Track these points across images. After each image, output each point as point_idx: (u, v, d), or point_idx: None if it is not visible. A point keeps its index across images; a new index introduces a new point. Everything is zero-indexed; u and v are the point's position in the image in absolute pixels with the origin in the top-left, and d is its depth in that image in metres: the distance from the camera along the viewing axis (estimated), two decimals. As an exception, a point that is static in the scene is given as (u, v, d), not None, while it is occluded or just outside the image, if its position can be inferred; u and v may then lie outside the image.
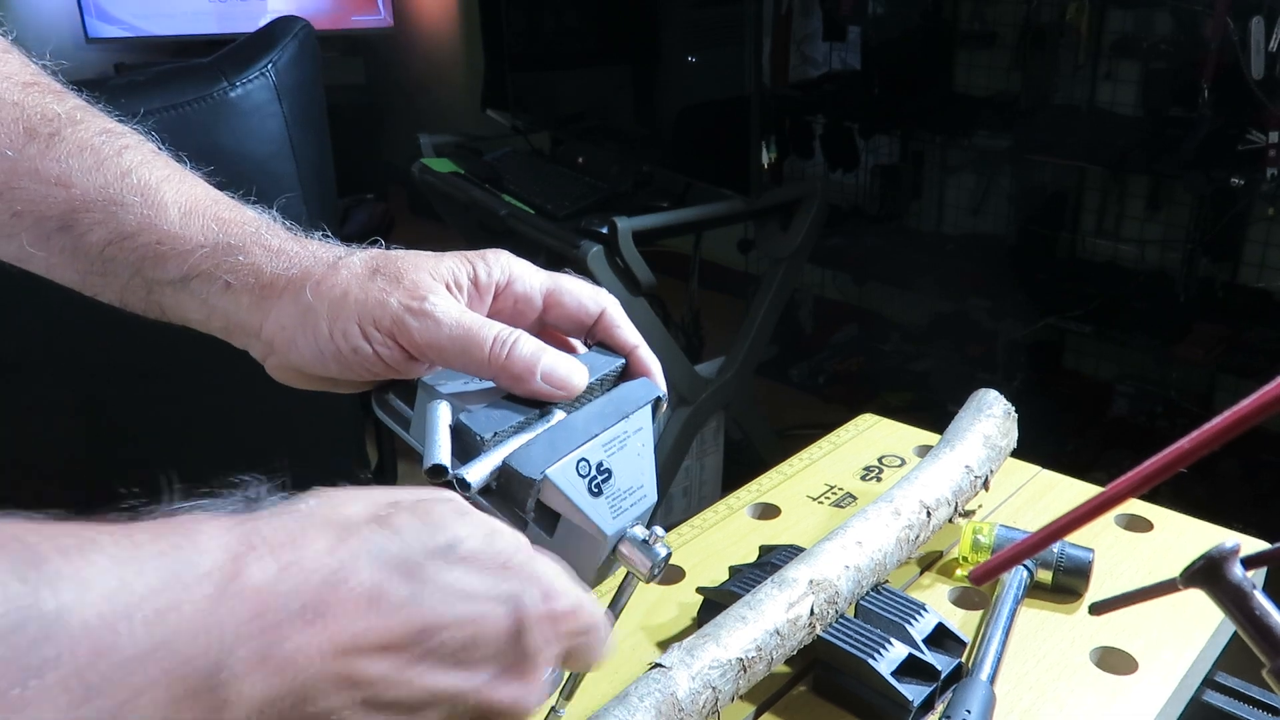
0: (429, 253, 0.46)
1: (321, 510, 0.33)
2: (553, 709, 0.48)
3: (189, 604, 0.27)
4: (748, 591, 0.55)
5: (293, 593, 0.29)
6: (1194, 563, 0.39)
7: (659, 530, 0.44)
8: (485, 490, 0.40)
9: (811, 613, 0.53)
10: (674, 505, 2.05)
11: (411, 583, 0.32)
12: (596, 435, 0.43)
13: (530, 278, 0.47)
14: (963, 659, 0.56)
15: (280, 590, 0.29)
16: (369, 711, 0.31)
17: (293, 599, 0.29)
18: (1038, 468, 0.77)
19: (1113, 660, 0.57)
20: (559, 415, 0.44)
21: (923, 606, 0.57)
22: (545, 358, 0.43)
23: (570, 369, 0.44)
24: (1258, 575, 0.59)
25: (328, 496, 0.34)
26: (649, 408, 0.46)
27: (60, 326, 0.96)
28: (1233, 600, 0.38)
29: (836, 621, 0.55)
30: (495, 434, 0.41)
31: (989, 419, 0.71)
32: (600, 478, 0.42)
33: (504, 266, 0.46)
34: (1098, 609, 0.51)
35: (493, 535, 0.35)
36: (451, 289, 0.45)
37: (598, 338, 0.48)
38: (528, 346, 0.43)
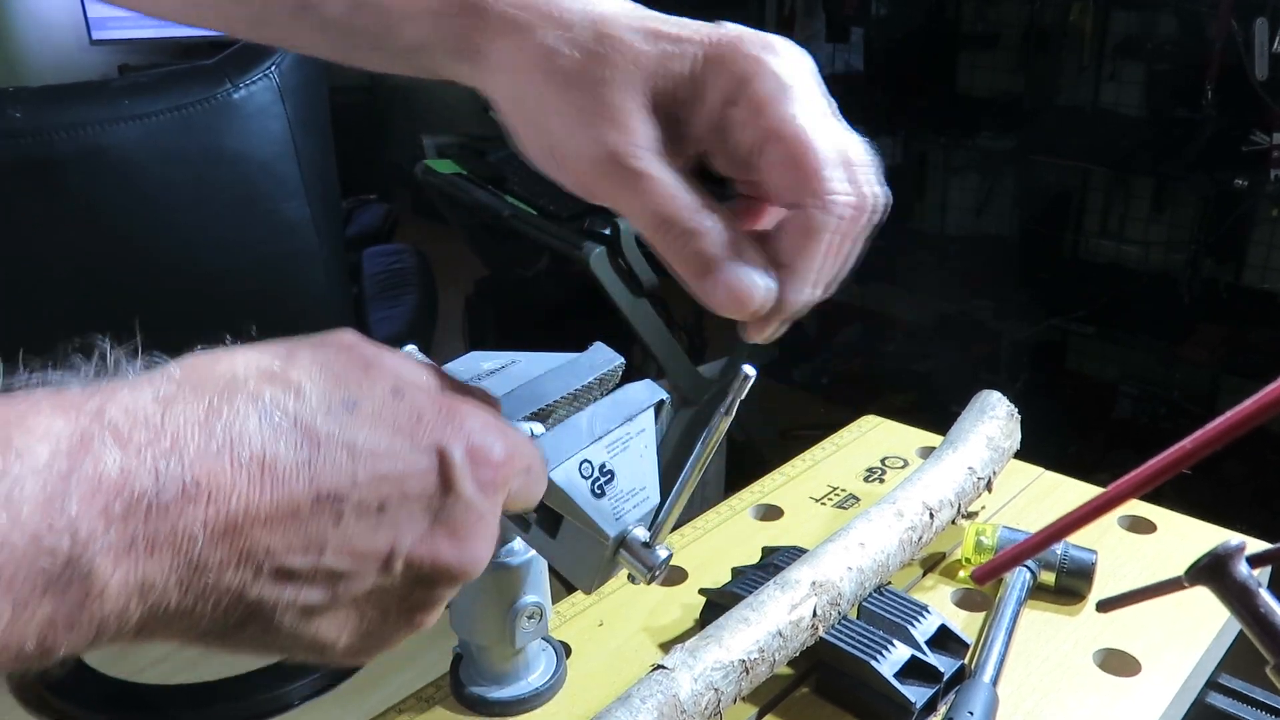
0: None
1: (195, 374, 0.29)
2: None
3: (27, 503, 0.25)
4: (750, 593, 0.54)
5: (156, 473, 0.26)
6: (1199, 560, 0.39)
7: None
8: None
9: (814, 614, 0.53)
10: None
11: (310, 446, 0.29)
12: (600, 437, 0.43)
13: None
14: (965, 661, 0.56)
15: (139, 474, 0.26)
16: (280, 582, 0.29)
17: (159, 480, 0.26)
18: (1041, 469, 0.77)
19: (1116, 662, 0.57)
20: (562, 416, 0.44)
21: (925, 608, 0.57)
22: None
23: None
24: (1263, 575, 0.58)
25: (204, 355, 0.30)
26: (652, 410, 0.46)
27: (62, 326, 0.96)
28: (1238, 598, 0.38)
29: (839, 623, 0.55)
30: None
31: (992, 420, 0.71)
32: (603, 479, 0.42)
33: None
34: (1105, 606, 0.51)
35: (403, 388, 0.32)
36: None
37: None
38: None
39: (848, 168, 0.37)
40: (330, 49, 0.43)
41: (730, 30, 0.38)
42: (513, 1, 0.38)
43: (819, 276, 0.38)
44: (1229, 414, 0.30)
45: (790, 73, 0.37)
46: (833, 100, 0.38)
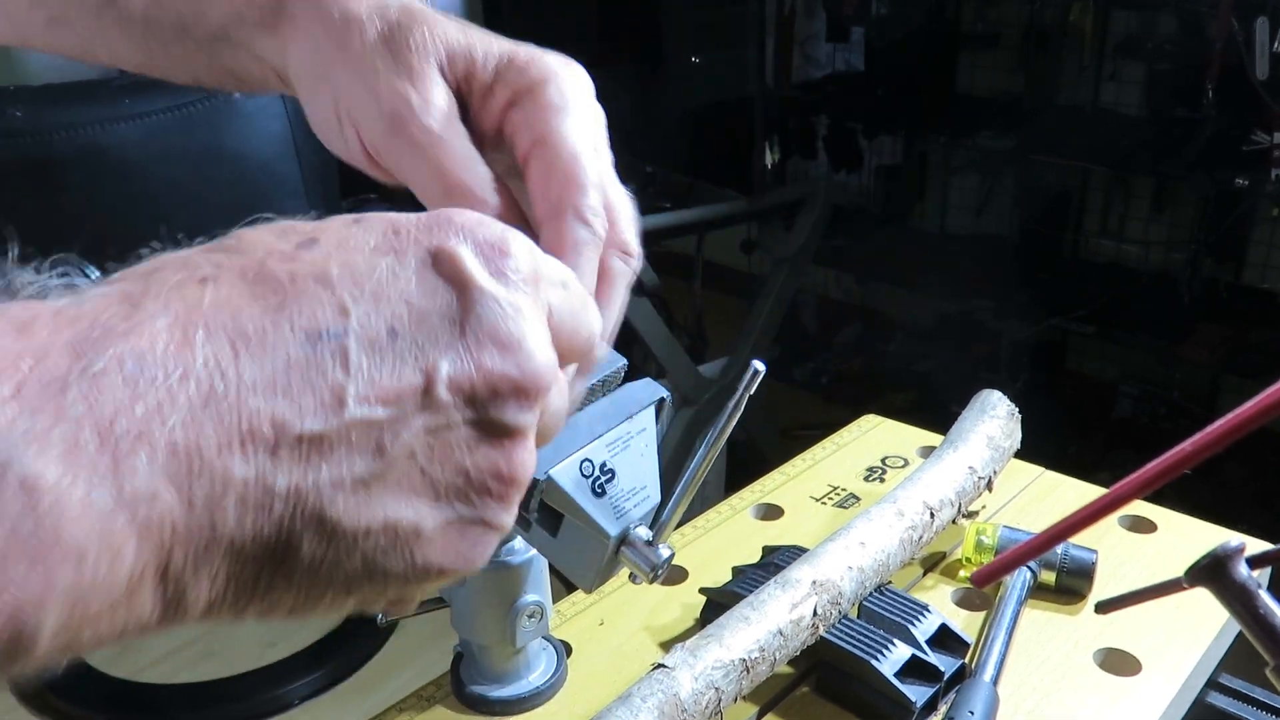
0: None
1: (129, 275, 0.24)
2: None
3: None
4: (751, 592, 0.55)
5: (75, 349, 0.22)
6: (1199, 561, 0.39)
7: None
8: None
9: (815, 613, 0.53)
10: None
11: (272, 290, 0.24)
12: (600, 435, 0.43)
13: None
14: (966, 660, 0.56)
15: (51, 350, 0.21)
16: (309, 457, 0.23)
17: (81, 355, 0.21)
18: (1041, 468, 0.77)
19: (1116, 662, 0.57)
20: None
21: (926, 607, 0.57)
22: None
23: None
24: (1263, 576, 0.59)
25: (171, 255, 0.25)
26: (653, 408, 0.46)
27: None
28: (1238, 599, 0.38)
29: (840, 622, 0.55)
30: None
31: (992, 420, 0.71)
32: (604, 478, 0.42)
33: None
34: (1104, 607, 0.51)
35: (362, 218, 0.28)
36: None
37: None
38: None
39: (604, 198, 0.37)
40: (132, 49, 0.43)
41: (531, 47, 0.39)
42: None
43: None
44: (1230, 416, 0.30)
45: (573, 94, 0.38)
46: (607, 135, 0.39)
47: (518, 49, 0.39)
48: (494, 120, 0.38)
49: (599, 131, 0.38)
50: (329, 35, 0.38)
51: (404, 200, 0.38)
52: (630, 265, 0.37)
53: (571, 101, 0.38)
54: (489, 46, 0.38)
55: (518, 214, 0.37)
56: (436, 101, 0.36)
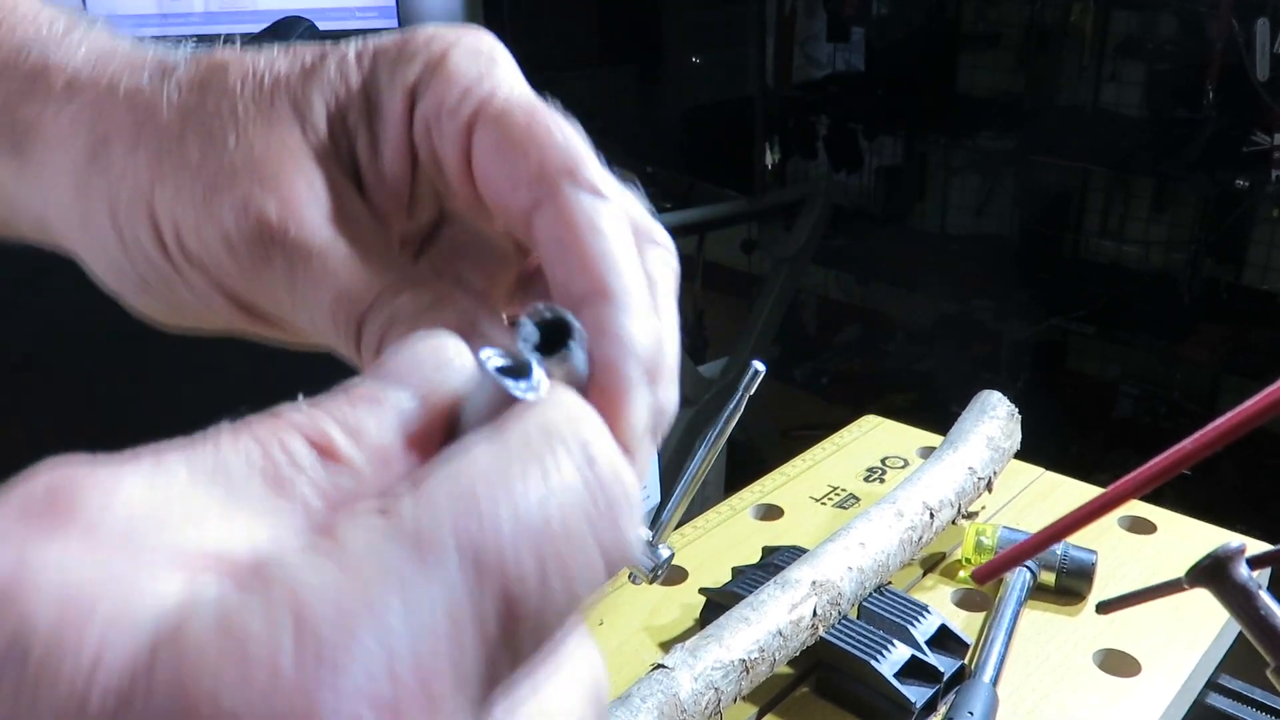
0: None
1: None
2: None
3: None
4: (750, 592, 0.55)
5: None
6: (1200, 562, 0.39)
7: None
8: None
9: (814, 614, 0.53)
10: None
11: None
12: None
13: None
14: (965, 661, 0.56)
15: None
16: None
17: None
18: (1041, 469, 0.77)
19: (1116, 662, 0.57)
20: None
21: (925, 608, 0.57)
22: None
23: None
24: (1262, 576, 0.58)
25: None
26: None
27: (66, 326, 0.96)
28: (1238, 600, 0.38)
29: (839, 623, 0.55)
30: None
31: (992, 420, 0.71)
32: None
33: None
34: (1105, 608, 0.51)
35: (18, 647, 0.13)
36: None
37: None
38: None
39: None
40: None
41: (389, 33, 0.28)
42: (87, 53, 0.28)
43: (636, 293, 0.23)
44: (1229, 415, 0.30)
45: (488, 49, 0.27)
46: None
47: (380, 39, 0.28)
48: (398, 137, 0.27)
49: (529, 90, 0.27)
50: (110, 134, 0.26)
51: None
52: (655, 235, 0.26)
53: (490, 59, 0.27)
54: (341, 55, 0.27)
55: (473, 310, 0.25)
56: (302, 198, 0.25)
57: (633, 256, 0.24)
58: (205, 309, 0.27)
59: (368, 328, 0.25)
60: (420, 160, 0.27)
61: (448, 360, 0.19)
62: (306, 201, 0.25)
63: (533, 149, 0.25)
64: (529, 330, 0.20)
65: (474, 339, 0.21)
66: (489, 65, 0.27)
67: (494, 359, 0.18)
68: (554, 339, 0.20)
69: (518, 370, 0.18)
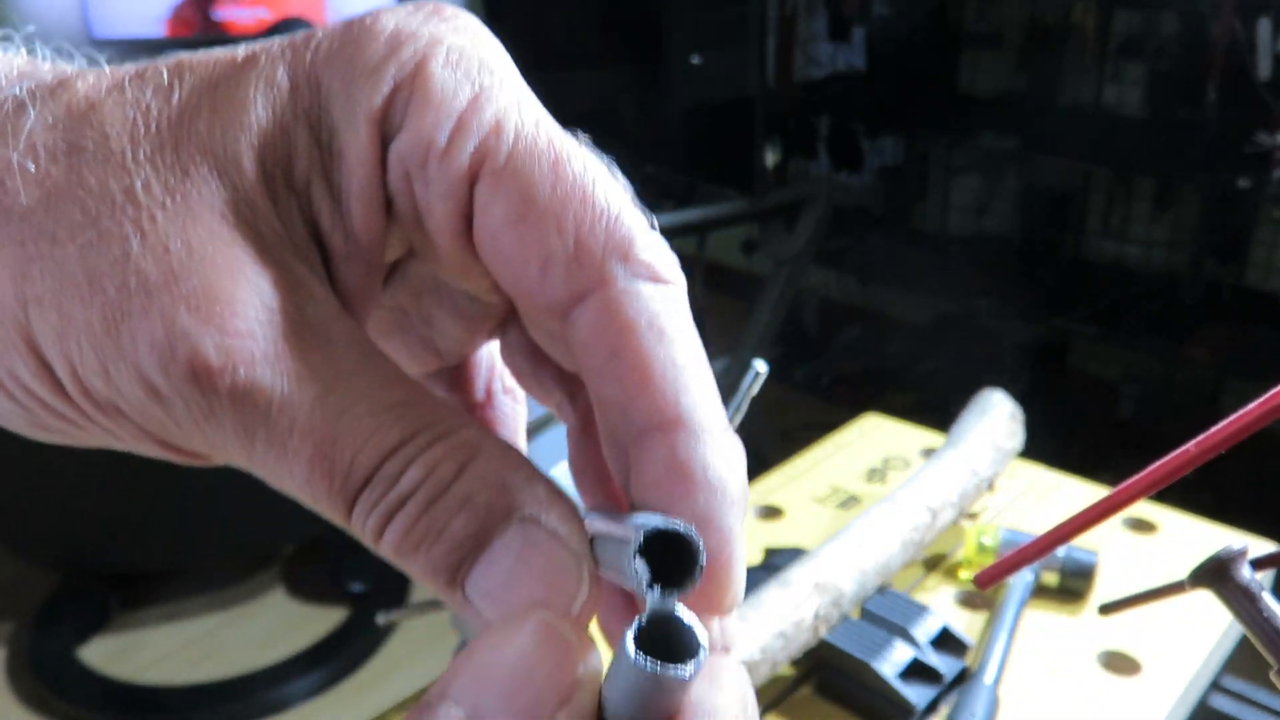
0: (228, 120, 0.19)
1: None
2: None
3: None
4: (751, 593, 0.54)
5: None
6: (1202, 564, 0.39)
7: None
8: None
9: (816, 615, 0.53)
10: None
11: None
12: None
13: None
14: (967, 662, 0.56)
15: None
16: None
17: None
18: (1043, 469, 0.77)
19: (1118, 663, 0.57)
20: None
21: (927, 609, 0.57)
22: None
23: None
24: (1267, 578, 0.58)
25: None
26: None
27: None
28: (1240, 601, 0.38)
29: (841, 624, 0.55)
30: None
31: (994, 420, 0.71)
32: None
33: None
34: (1107, 610, 0.51)
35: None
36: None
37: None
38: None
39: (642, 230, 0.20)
40: None
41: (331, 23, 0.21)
42: None
43: (714, 415, 0.20)
44: (1233, 417, 0.29)
45: (479, 52, 0.20)
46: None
47: (319, 32, 0.20)
48: (367, 190, 0.20)
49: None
50: None
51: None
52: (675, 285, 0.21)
53: (489, 67, 0.20)
54: (260, 69, 0.20)
55: (498, 460, 0.19)
56: (244, 316, 0.18)
57: (703, 361, 0.20)
58: (131, 449, 0.20)
59: (360, 506, 0.18)
60: (395, 209, 0.20)
61: (590, 673, 0.17)
62: (257, 325, 0.18)
63: (567, 218, 0.19)
64: (641, 566, 0.17)
65: (512, 519, 0.18)
66: (485, 79, 0.20)
67: (637, 634, 0.16)
68: (663, 552, 0.17)
69: (660, 635, 0.17)
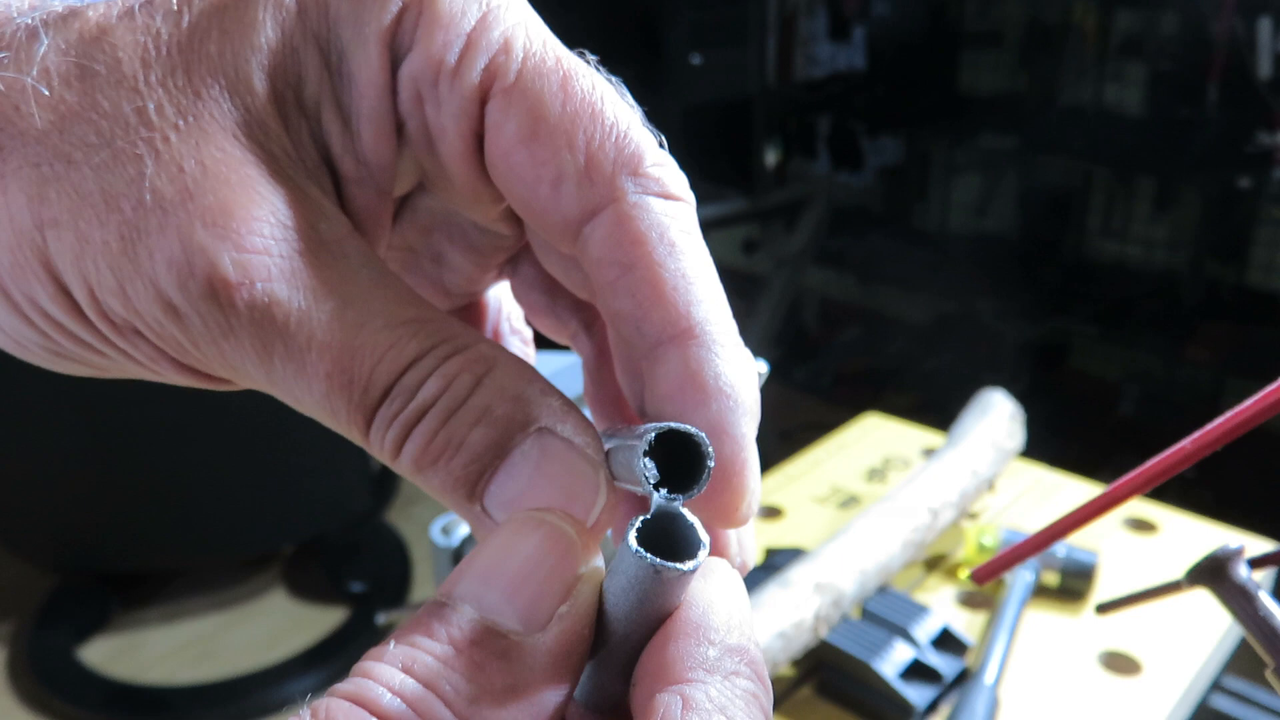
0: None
1: None
2: None
3: None
4: (751, 593, 0.54)
5: None
6: (1199, 562, 0.39)
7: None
8: None
9: (816, 615, 0.53)
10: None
11: None
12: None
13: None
14: (968, 662, 0.56)
15: None
16: None
17: None
18: (1043, 469, 0.77)
19: (1119, 663, 0.57)
20: None
21: (928, 609, 0.57)
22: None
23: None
24: (1266, 577, 0.58)
25: None
26: None
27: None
28: (1237, 600, 0.38)
29: (841, 624, 0.55)
30: None
31: (995, 420, 0.71)
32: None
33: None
34: (1105, 609, 0.51)
35: None
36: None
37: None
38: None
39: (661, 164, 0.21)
40: None
41: None
42: None
43: (726, 327, 0.21)
44: (1230, 414, 0.30)
45: None
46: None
47: None
48: (378, 112, 0.20)
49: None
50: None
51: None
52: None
53: None
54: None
55: (521, 376, 0.19)
56: (260, 232, 0.18)
57: (713, 275, 0.20)
58: (151, 374, 0.20)
59: (379, 420, 0.18)
60: (406, 132, 0.20)
61: (592, 573, 0.18)
62: (273, 241, 0.18)
63: (578, 134, 0.19)
64: (649, 466, 0.17)
65: (530, 430, 0.18)
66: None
67: (640, 531, 0.17)
68: (676, 460, 0.18)
69: (662, 530, 0.17)
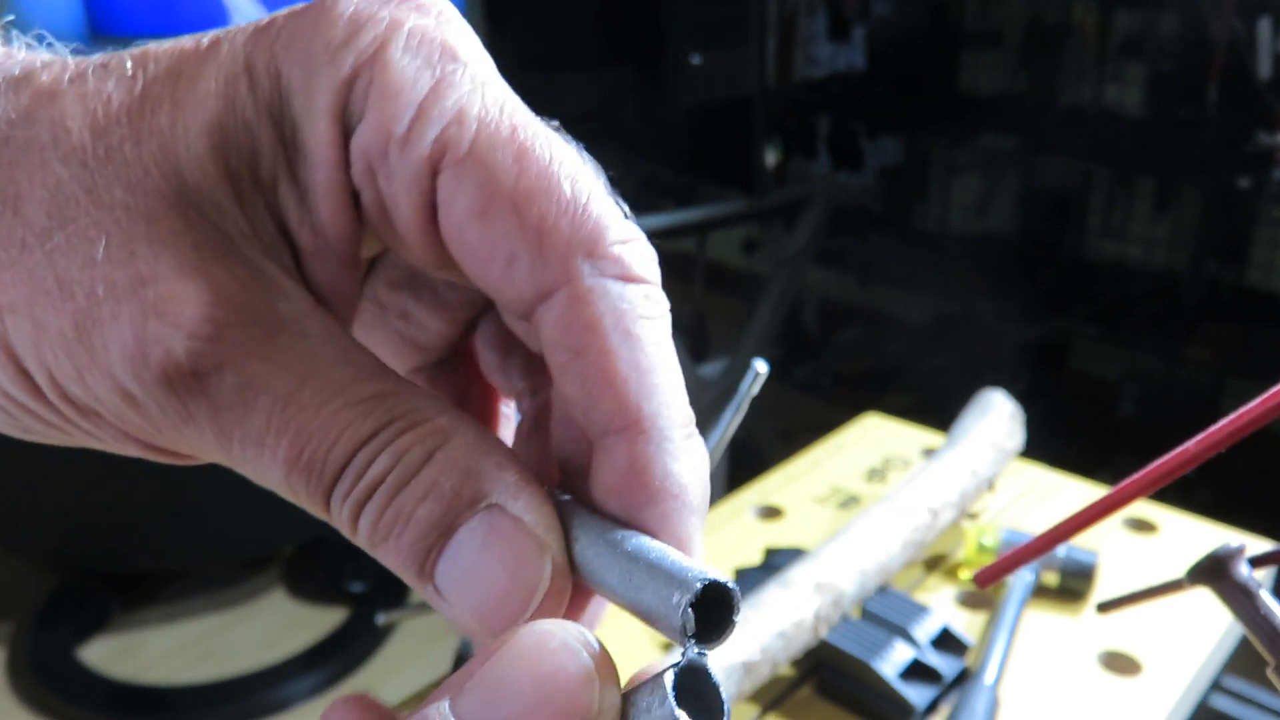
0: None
1: None
2: None
3: None
4: (751, 593, 0.54)
5: None
6: (1200, 561, 0.39)
7: None
8: None
9: (816, 615, 0.53)
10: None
11: None
12: None
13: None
14: (968, 662, 0.56)
15: None
16: None
17: None
18: (1044, 469, 0.77)
19: (1119, 663, 0.57)
20: None
21: (928, 609, 0.57)
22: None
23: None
24: (1266, 576, 0.58)
25: None
26: None
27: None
28: (1237, 599, 0.38)
29: (841, 624, 0.55)
30: None
31: (995, 420, 0.71)
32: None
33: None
34: (1105, 608, 0.51)
35: None
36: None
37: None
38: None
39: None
40: None
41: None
42: None
43: (679, 422, 0.20)
44: (1233, 416, 0.29)
45: (441, 33, 0.19)
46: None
47: (264, 19, 0.19)
48: (333, 184, 0.19)
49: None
50: None
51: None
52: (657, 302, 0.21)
53: (453, 51, 0.19)
54: (215, 56, 0.19)
55: (479, 442, 0.19)
56: (217, 302, 0.18)
57: (671, 362, 0.20)
58: (118, 450, 0.20)
59: (335, 498, 0.18)
60: (362, 204, 0.19)
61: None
62: (227, 326, 0.17)
63: (531, 211, 0.19)
64: (689, 616, 0.17)
65: (479, 506, 0.18)
66: (447, 65, 0.19)
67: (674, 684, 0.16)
68: (709, 613, 0.17)
69: (684, 684, 0.17)
